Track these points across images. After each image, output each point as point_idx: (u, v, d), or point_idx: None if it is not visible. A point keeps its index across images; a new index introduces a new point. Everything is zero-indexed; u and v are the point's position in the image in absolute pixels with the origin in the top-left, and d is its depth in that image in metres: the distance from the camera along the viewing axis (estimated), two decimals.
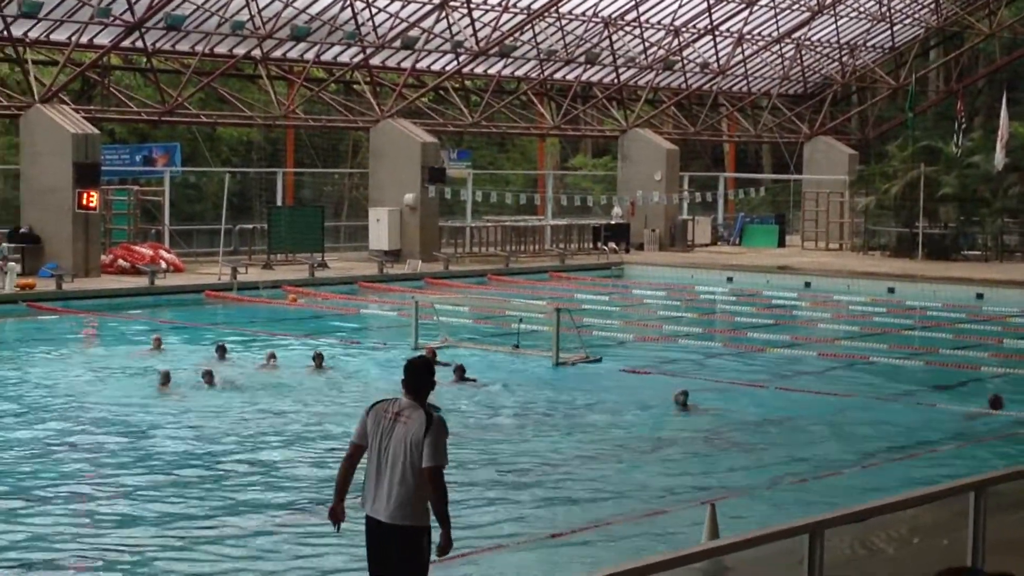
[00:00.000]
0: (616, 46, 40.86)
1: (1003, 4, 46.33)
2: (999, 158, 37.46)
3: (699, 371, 20.64)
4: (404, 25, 36.17)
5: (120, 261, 31.23)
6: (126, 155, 37.88)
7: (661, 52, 42.14)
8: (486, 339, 23.68)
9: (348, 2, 34.33)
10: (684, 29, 41.80)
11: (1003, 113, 37.68)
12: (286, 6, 33.68)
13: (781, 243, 43.93)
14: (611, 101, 43.83)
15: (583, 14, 39.56)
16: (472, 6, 36.33)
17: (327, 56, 37.22)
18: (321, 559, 10.79)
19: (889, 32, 46.60)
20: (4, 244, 29.12)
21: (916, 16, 46.85)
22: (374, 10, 35.11)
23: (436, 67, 39.32)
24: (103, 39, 32.24)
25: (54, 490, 12.91)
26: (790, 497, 13.20)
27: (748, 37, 43.60)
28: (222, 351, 20.46)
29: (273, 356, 20.17)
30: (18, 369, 19.88)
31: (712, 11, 40.97)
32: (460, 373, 18.82)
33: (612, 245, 39.17)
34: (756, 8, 42.03)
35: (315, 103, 39.53)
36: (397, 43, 36.54)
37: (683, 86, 44.16)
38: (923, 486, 11.39)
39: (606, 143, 50.78)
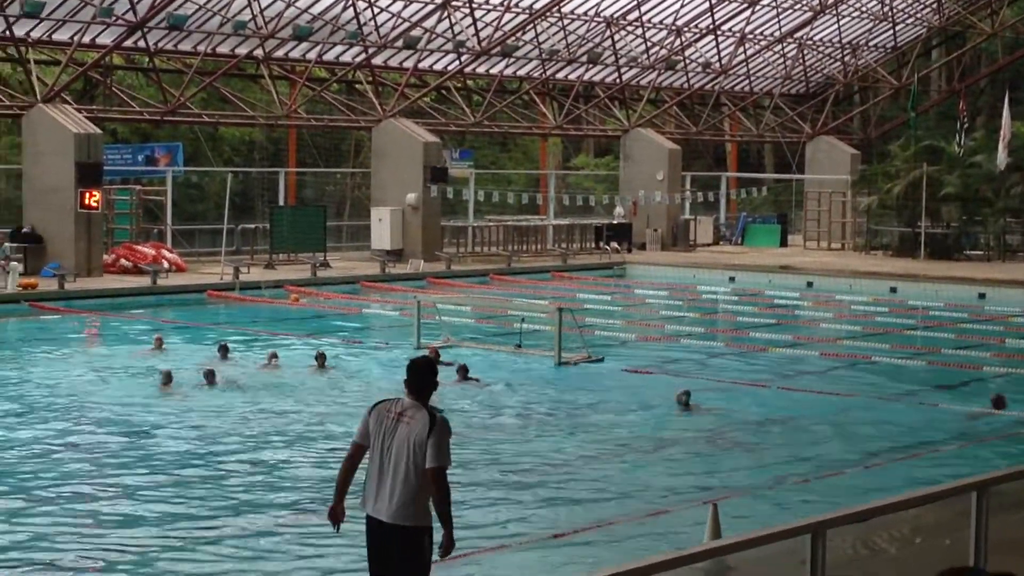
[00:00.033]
0: (618, 46, 40.86)
1: (1005, 3, 46.31)
2: (1001, 158, 37.44)
3: (701, 371, 20.63)
4: (406, 25, 36.18)
5: (122, 261, 31.24)
6: (128, 155, 37.91)
7: (663, 52, 42.14)
8: (488, 339, 23.69)
9: (350, 2, 34.34)
10: (686, 29, 41.79)
11: (1005, 113, 37.65)
12: (288, 6, 33.69)
13: (783, 243, 43.92)
14: (613, 101, 43.83)
15: (585, 14, 39.56)
16: (474, 6, 36.32)
17: (329, 56, 37.23)
18: (323, 560, 10.79)
19: (891, 32, 46.59)
20: (6, 244, 29.13)
21: (918, 16, 46.84)
22: (376, 10, 35.10)
23: (438, 67, 39.33)
24: (105, 39, 32.25)
25: (56, 490, 12.91)
26: (792, 497, 13.19)
27: (750, 37, 43.59)
28: (224, 351, 20.46)
29: (275, 356, 20.17)
30: (20, 369, 19.89)
31: (714, 11, 40.97)
32: (463, 373, 18.83)
33: (614, 245, 39.17)
34: (758, 8, 42.01)
35: (317, 103, 39.54)
36: (399, 43, 36.55)
37: (685, 86, 44.16)
38: (925, 486, 11.38)
39: (608, 143, 50.77)
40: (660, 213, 41.59)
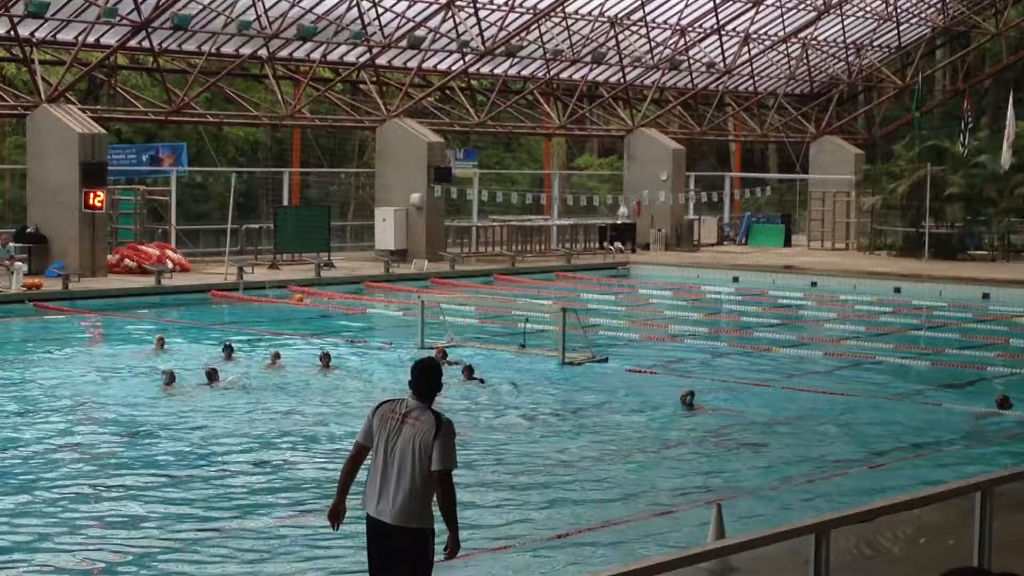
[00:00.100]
0: (622, 46, 40.86)
1: (1010, 3, 46.27)
2: (1006, 158, 37.39)
3: (705, 371, 20.62)
4: (410, 25, 36.19)
5: (126, 261, 31.26)
6: (132, 155, 37.94)
7: (667, 52, 42.13)
8: (492, 339, 23.69)
9: (354, 2, 34.35)
10: (690, 29, 41.78)
11: (1010, 113, 37.60)
12: (292, 6, 33.70)
13: (787, 243, 43.92)
14: (617, 101, 43.82)
15: (589, 14, 39.55)
16: (478, 6, 36.32)
17: (333, 56, 37.24)
18: (326, 560, 10.77)
19: (895, 32, 46.56)
20: (11, 244, 29.15)
21: (922, 16, 46.80)
22: (380, 10, 35.11)
23: (442, 67, 39.34)
24: (109, 39, 32.26)
25: (59, 490, 12.91)
26: (796, 497, 13.18)
27: (754, 37, 43.56)
28: (229, 351, 20.46)
29: (277, 356, 20.17)
30: (24, 369, 19.89)
31: (718, 11, 40.95)
32: (468, 373, 18.84)
33: (618, 245, 39.17)
34: (762, 8, 42.00)
35: (321, 103, 39.56)
36: (403, 43, 36.55)
37: (689, 86, 44.14)
38: (929, 486, 11.38)
39: (612, 143, 50.74)
40: (664, 213, 41.58)
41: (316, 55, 36.63)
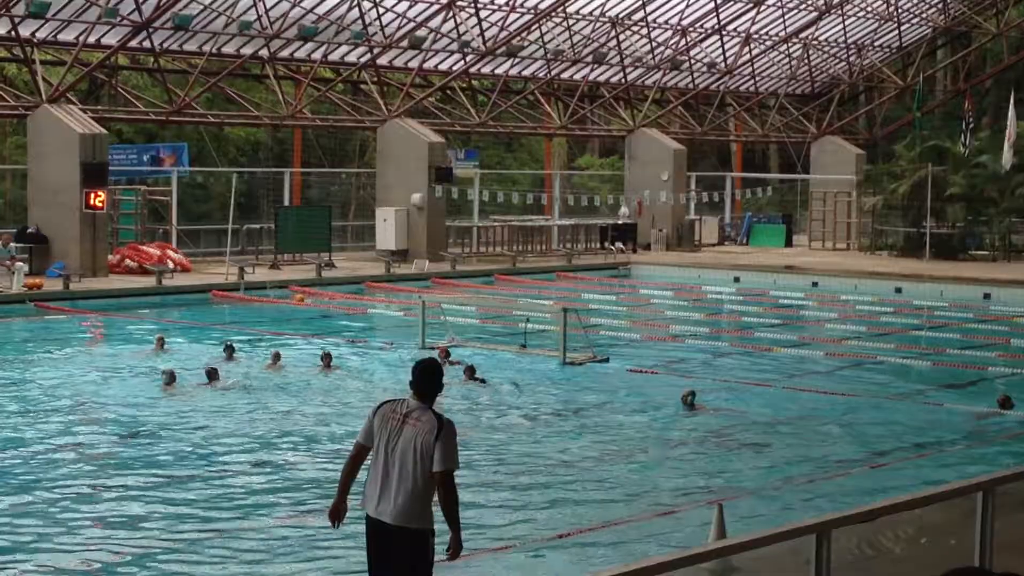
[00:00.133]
0: (623, 46, 40.85)
1: (1011, 3, 46.26)
2: (1007, 158, 37.39)
3: (707, 371, 20.61)
4: (411, 25, 36.18)
5: (127, 261, 31.26)
6: (133, 155, 37.94)
7: (668, 52, 42.11)
8: (493, 339, 23.68)
9: (355, 2, 34.34)
10: (691, 29, 41.77)
11: (1011, 113, 37.59)
12: (293, 6, 33.70)
13: (788, 243, 43.90)
14: (618, 101, 43.81)
15: (590, 14, 39.54)
16: (479, 6, 36.31)
17: (334, 56, 37.24)
18: (326, 560, 10.77)
19: (896, 32, 46.54)
20: (12, 244, 29.14)
21: (923, 16, 46.78)
22: (381, 10, 35.10)
23: (443, 67, 39.33)
24: (110, 39, 32.26)
25: (59, 490, 12.90)
26: (798, 497, 13.17)
27: (755, 37, 43.54)
28: (230, 351, 20.45)
29: (278, 356, 20.15)
30: (25, 369, 19.89)
31: (719, 11, 40.93)
32: (470, 373, 18.84)
33: (619, 245, 39.16)
34: (763, 8, 41.98)
35: (322, 103, 39.56)
36: (404, 43, 36.54)
37: (690, 86, 44.13)
38: (931, 486, 11.36)
39: (613, 143, 50.73)
40: (665, 213, 41.58)
41: (317, 55, 36.63)
